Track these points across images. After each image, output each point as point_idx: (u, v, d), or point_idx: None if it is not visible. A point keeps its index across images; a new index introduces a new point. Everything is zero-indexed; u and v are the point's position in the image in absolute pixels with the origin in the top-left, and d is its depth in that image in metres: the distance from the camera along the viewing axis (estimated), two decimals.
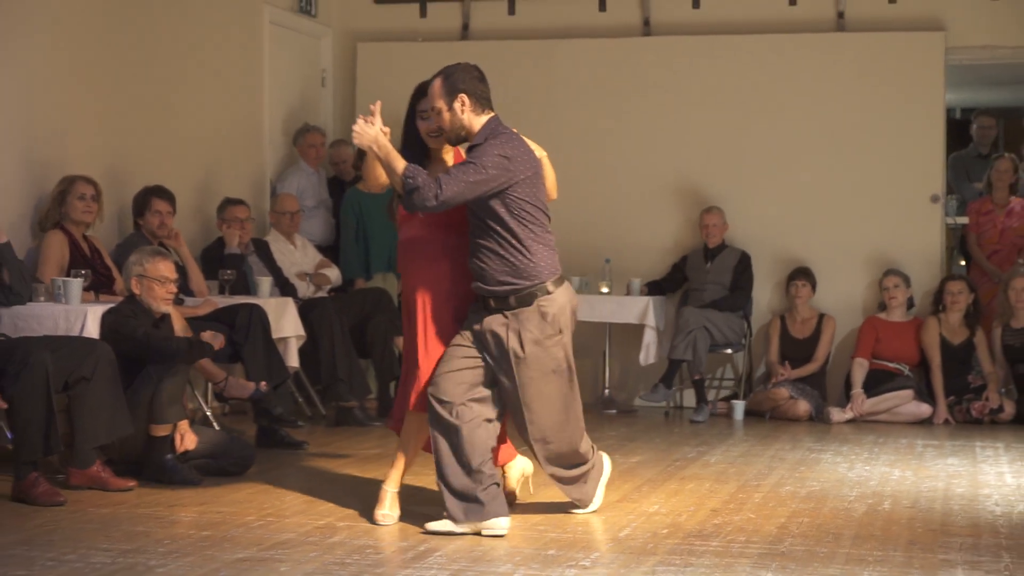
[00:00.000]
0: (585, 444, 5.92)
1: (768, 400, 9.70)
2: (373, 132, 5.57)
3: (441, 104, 5.55)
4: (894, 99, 10.20)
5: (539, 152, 5.72)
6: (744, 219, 10.18)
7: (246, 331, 7.70)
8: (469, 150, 5.61)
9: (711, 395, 9.81)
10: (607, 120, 10.57)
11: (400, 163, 5.48)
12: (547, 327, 5.59)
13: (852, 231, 10.21)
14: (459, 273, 5.74)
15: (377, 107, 5.66)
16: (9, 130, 7.61)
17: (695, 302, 9.85)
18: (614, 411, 10.01)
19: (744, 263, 10.01)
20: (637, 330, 9.78)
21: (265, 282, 8.55)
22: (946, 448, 8.38)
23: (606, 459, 6.17)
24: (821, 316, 9.95)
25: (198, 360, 7.03)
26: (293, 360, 8.44)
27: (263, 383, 7.49)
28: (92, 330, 6.77)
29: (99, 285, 7.35)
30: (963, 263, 10.83)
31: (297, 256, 9.30)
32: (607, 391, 10.20)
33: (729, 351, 9.90)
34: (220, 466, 6.97)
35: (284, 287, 8.83)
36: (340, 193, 9.99)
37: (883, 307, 9.89)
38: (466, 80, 5.57)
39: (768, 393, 9.73)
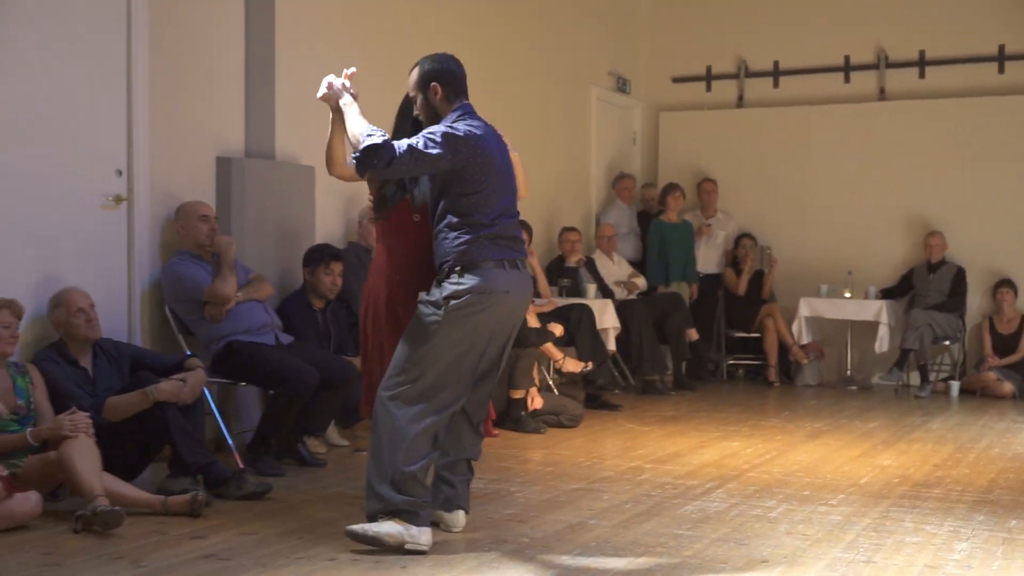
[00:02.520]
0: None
1: (979, 382, 9.28)
2: (340, 88, 4.41)
3: (415, 92, 4.37)
4: None
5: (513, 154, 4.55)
6: (960, 240, 9.77)
7: (578, 323, 7.83)
8: None
9: (932, 376, 9.42)
10: (851, 165, 10.31)
11: (359, 127, 4.18)
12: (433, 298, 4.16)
13: None
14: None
15: (352, 73, 4.48)
16: None
17: (920, 305, 9.52)
18: (855, 388, 9.74)
19: (960, 275, 9.62)
20: (873, 326, 9.51)
21: (591, 288, 8.67)
22: None
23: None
24: (1023, 317, 9.46)
25: (544, 344, 7.20)
26: (611, 345, 8.52)
27: (590, 362, 7.61)
28: None
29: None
30: None
31: (614, 268, 9.40)
32: (849, 372, 9.93)
33: (947, 343, 9.49)
34: (559, 421, 7.13)
35: (605, 291, 8.93)
36: (646, 223, 10.05)
37: None
38: (439, 68, 4.35)
39: (979, 376, 9.32)
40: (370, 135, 4.07)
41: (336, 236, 7.04)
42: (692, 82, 11.12)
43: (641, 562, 4.02)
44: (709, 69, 11.07)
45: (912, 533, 4.52)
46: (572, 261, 8.93)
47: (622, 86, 10.89)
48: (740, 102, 10.96)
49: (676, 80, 11.14)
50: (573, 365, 7.46)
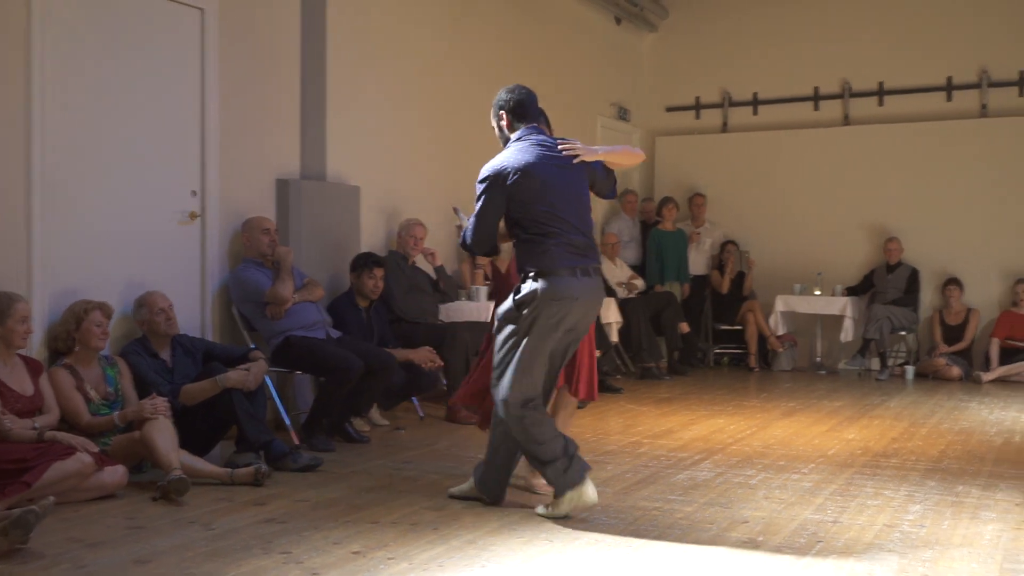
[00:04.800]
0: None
1: (931, 366, 9.16)
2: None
3: (492, 121, 4.33)
4: (1020, 161, 9.49)
5: (594, 156, 4.22)
6: (914, 245, 9.67)
7: None
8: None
9: (891, 362, 9.32)
10: (820, 181, 10.23)
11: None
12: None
13: (992, 252, 9.54)
14: None
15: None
16: (441, 192, 7.94)
17: (880, 300, 9.41)
18: (824, 372, 9.65)
19: (914, 275, 9.52)
20: (839, 319, 9.42)
21: None
22: None
23: None
24: (969, 310, 9.34)
25: None
26: (614, 336, 8.48)
27: (596, 351, 7.56)
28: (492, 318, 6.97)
29: (496, 292, 7.57)
30: None
31: (617, 271, 9.34)
32: (819, 359, 9.84)
33: (904, 333, 9.39)
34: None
35: (609, 291, 8.88)
36: (646, 231, 9.98)
37: (1015, 304, 9.18)
38: (507, 98, 4.26)
39: (931, 361, 9.20)
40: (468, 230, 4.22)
41: (378, 245, 7.03)
42: (683, 111, 11.05)
43: (640, 523, 3.99)
44: (698, 99, 11.01)
45: (873, 497, 4.47)
46: None
47: (623, 115, 10.83)
48: (725, 128, 10.88)
49: (669, 109, 11.08)
50: None
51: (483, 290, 7.27)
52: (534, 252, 4.03)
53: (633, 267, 9.69)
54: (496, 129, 4.32)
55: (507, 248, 4.59)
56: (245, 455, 4.80)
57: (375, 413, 6.22)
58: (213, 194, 5.82)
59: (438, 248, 7.14)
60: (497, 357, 4.11)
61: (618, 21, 10.59)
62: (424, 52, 7.67)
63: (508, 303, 4.09)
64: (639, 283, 9.39)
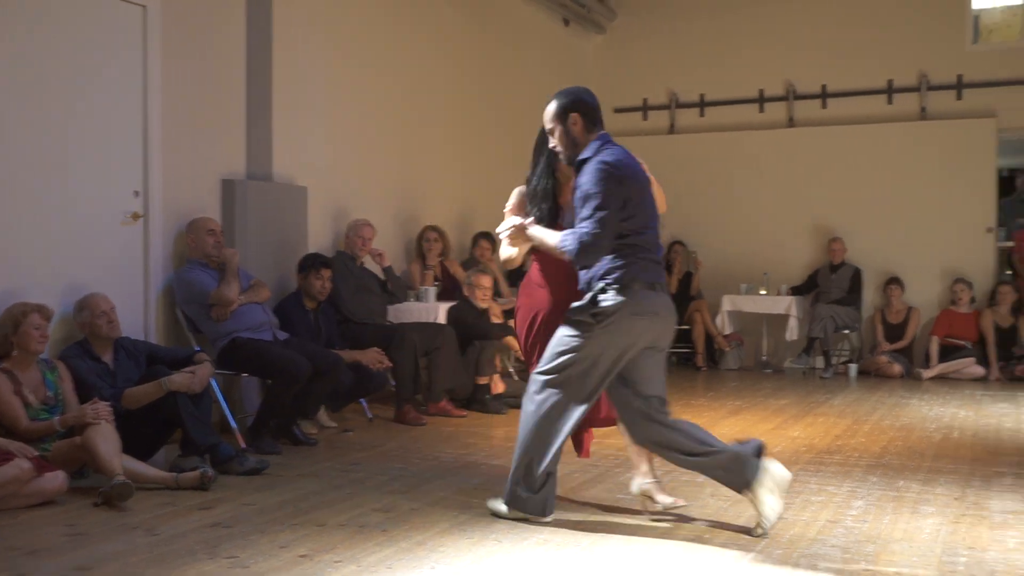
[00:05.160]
0: None
1: (873, 364, 9.34)
2: (525, 233, 4.06)
3: (555, 123, 3.96)
4: (959, 163, 9.71)
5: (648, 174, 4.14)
6: (857, 245, 9.85)
7: None
8: (579, 163, 3.91)
9: (834, 360, 9.47)
10: (766, 182, 10.38)
11: (553, 238, 3.92)
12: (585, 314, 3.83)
13: (932, 252, 9.76)
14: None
15: (511, 209, 4.29)
16: (389, 193, 7.91)
17: (824, 300, 9.57)
18: (770, 371, 9.78)
19: (857, 274, 9.69)
20: (784, 318, 9.56)
21: None
22: (998, 396, 7.90)
23: None
24: (910, 309, 9.53)
25: (506, 337, 7.16)
26: None
27: None
28: (441, 319, 6.96)
29: (445, 292, 7.56)
30: (1009, 272, 10.16)
31: None
32: (765, 358, 9.97)
33: (847, 332, 9.54)
34: (519, 403, 7.03)
35: None
36: None
37: (953, 303, 9.38)
38: (576, 100, 3.97)
39: (873, 359, 9.37)
40: (563, 247, 3.81)
41: (326, 246, 6.98)
42: (631, 112, 11.12)
43: (589, 521, 4.00)
44: (645, 101, 11.09)
45: (817, 493, 4.53)
46: (529, 265, 8.86)
47: None
48: (672, 129, 10.98)
49: (617, 111, 11.13)
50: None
51: (432, 291, 7.24)
52: (618, 262, 3.81)
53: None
54: (560, 135, 3.96)
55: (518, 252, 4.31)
56: (190, 459, 4.73)
57: (323, 415, 6.17)
58: (156, 194, 5.72)
59: (386, 248, 7.11)
60: (550, 353, 3.92)
61: (566, 22, 10.63)
62: (372, 54, 7.63)
63: (582, 311, 3.82)
64: None
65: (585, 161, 3.88)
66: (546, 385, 3.95)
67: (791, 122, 10.44)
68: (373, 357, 6.08)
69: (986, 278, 9.62)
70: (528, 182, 4.33)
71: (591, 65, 11.25)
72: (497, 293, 7.88)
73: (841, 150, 10.11)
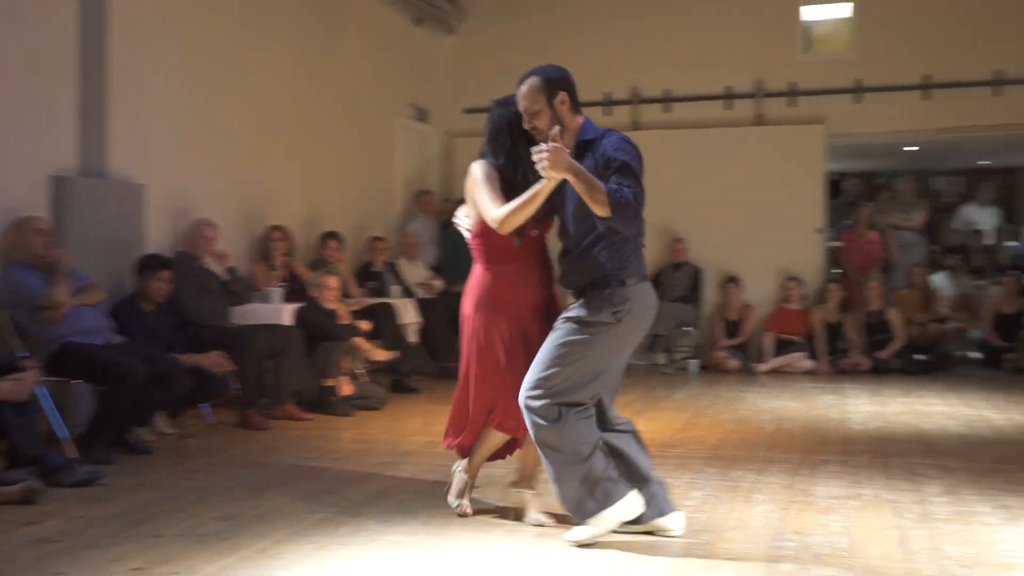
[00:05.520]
0: None
1: (712, 359, 9.68)
2: (567, 159, 3.43)
3: (540, 102, 3.61)
4: (791, 168, 10.14)
5: None
6: (698, 245, 10.19)
7: (383, 319, 7.75)
8: (580, 146, 3.64)
9: (677, 356, 9.76)
10: None
11: (600, 183, 3.46)
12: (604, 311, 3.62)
13: (767, 252, 10.17)
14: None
15: (557, 132, 3.55)
16: (233, 191, 7.71)
17: (667, 298, 9.79)
18: None
19: (698, 274, 10.03)
20: None
21: (395, 289, 8.60)
22: (826, 389, 8.30)
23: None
24: (746, 306, 9.93)
25: (354, 337, 7.08)
26: (413, 337, 8.47)
27: (395, 352, 7.54)
28: (287, 320, 6.83)
29: (291, 293, 7.42)
30: (837, 271, 10.73)
31: (416, 272, 9.34)
32: None
33: (688, 329, 9.85)
34: (367, 404, 7.02)
35: (408, 292, 8.88)
36: (444, 231, 10.03)
37: (786, 300, 9.83)
38: (563, 77, 3.69)
39: (713, 355, 9.72)
40: (619, 194, 3.42)
41: (167, 246, 6.74)
42: (482, 113, 11.06)
43: (436, 521, 4.00)
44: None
45: None
46: (378, 265, 8.83)
47: (421, 116, 10.84)
48: None
49: (468, 111, 11.15)
50: (380, 355, 7.36)
51: (277, 292, 7.10)
52: (626, 253, 3.66)
53: (432, 268, 9.72)
54: (544, 114, 3.61)
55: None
56: (15, 471, 4.48)
57: (161, 421, 5.96)
58: None
59: (230, 248, 6.92)
60: (551, 356, 3.61)
61: (417, 22, 10.60)
62: (219, 48, 7.44)
63: (600, 310, 3.60)
64: (438, 284, 9.43)
65: (588, 143, 3.63)
66: (562, 405, 3.62)
67: (636, 125, 10.70)
68: (215, 360, 5.91)
69: (816, 277, 10.11)
70: (500, 170, 3.81)
71: (443, 65, 11.26)
72: (346, 294, 7.79)
73: (683, 153, 10.42)
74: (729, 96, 10.48)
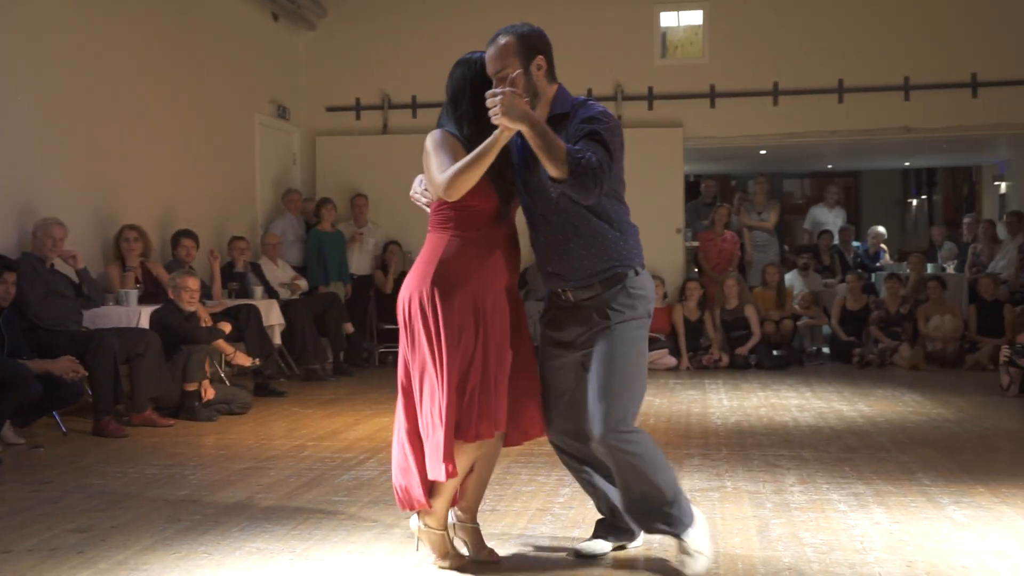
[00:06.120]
0: None
1: None
2: (523, 107, 2.96)
3: (515, 65, 3.09)
4: (652, 170, 10.30)
5: None
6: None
7: (246, 321, 7.57)
8: (553, 121, 3.16)
9: None
10: None
11: (559, 140, 3.01)
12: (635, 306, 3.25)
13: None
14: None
15: (519, 75, 3.10)
16: (83, 189, 7.40)
17: (533, 297, 9.93)
18: None
19: None
20: None
21: (258, 290, 8.41)
22: (687, 384, 8.54)
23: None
24: None
25: (215, 340, 6.90)
26: (277, 339, 8.30)
27: (257, 359, 7.38)
28: (144, 323, 6.61)
29: (148, 295, 7.17)
30: (696, 270, 11.08)
31: (279, 272, 9.16)
32: None
33: None
34: (230, 409, 6.86)
35: (271, 292, 8.70)
36: (310, 231, 9.88)
37: None
38: (542, 38, 3.20)
39: None
40: (580, 156, 2.98)
41: (10, 247, 6.40)
42: (344, 111, 11.07)
43: (304, 526, 3.93)
44: (358, 100, 11.06)
45: (527, 484, 4.71)
46: (240, 266, 8.62)
47: (282, 113, 10.64)
48: (385, 130, 11.02)
49: (330, 109, 11.05)
50: (243, 359, 7.18)
51: (133, 294, 6.85)
52: (632, 240, 3.28)
53: (296, 268, 9.56)
54: (519, 79, 3.09)
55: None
56: None
57: (8, 431, 5.65)
58: None
59: (80, 249, 6.63)
60: (618, 377, 3.19)
61: (275, 17, 10.41)
62: (64, 38, 7.11)
63: (631, 307, 3.22)
64: (302, 284, 9.28)
65: (564, 116, 3.18)
66: (632, 431, 3.24)
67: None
68: (66, 366, 5.65)
69: (676, 276, 10.41)
70: (460, 140, 3.22)
71: (302, 62, 11.09)
72: (207, 295, 7.58)
73: None
74: (590, 99, 10.64)
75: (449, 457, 3.14)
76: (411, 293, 3.22)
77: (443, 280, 3.17)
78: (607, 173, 3.03)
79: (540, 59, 3.16)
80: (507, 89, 2.96)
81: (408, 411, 3.29)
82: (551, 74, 3.21)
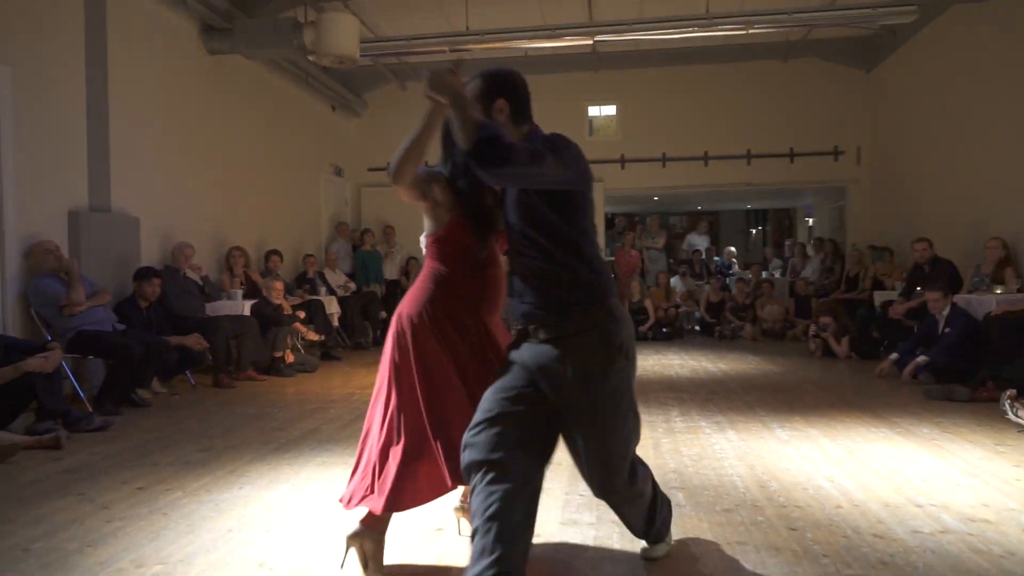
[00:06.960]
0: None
1: None
2: (454, 84, 1.99)
3: (476, 109, 2.06)
4: None
5: None
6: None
7: (315, 310, 7.49)
8: None
9: None
10: None
11: (480, 116, 2.01)
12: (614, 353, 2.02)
13: None
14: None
15: (459, 64, 2.09)
16: (206, 222, 7.30)
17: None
18: None
19: None
20: None
21: (322, 289, 8.32)
22: None
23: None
24: None
25: (294, 323, 6.81)
26: (335, 322, 8.19)
27: (322, 334, 7.30)
28: (246, 312, 6.51)
29: (249, 293, 7.10)
30: (612, 275, 11.03)
31: (336, 278, 8.99)
32: None
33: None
34: (304, 369, 6.71)
35: (331, 291, 8.57)
36: (354, 250, 9.79)
37: None
38: (504, 82, 2.10)
39: None
40: (488, 127, 1.91)
41: (156, 260, 6.33)
42: (380, 171, 10.99)
43: (353, 447, 3.86)
44: (389, 164, 10.96)
45: None
46: (310, 274, 8.55)
47: (338, 172, 10.57)
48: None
49: (371, 169, 10.97)
50: (312, 335, 7.15)
51: (239, 292, 6.76)
52: (605, 277, 2.07)
53: (347, 275, 9.50)
54: (483, 117, 2.05)
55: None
56: (45, 423, 4.12)
57: (156, 384, 5.60)
58: (11, 224, 4.91)
59: (203, 263, 6.59)
60: (619, 441, 2.06)
61: (333, 108, 10.34)
62: (195, 117, 7.02)
63: (616, 347, 2.02)
64: (352, 286, 9.22)
65: None
66: (635, 484, 2.20)
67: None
68: (194, 340, 5.59)
69: None
70: (446, 178, 2.31)
71: (352, 137, 11.00)
72: (289, 291, 7.55)
73: None
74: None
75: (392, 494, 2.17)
76: (399, 312, 2.36)
77: (425, 305, 2.30)
78: (527, 165, 1.90)
79: (500, 102, 2.08)
80: (443, 69, 2.02)
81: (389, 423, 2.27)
82: (520, 116, 2.11)
